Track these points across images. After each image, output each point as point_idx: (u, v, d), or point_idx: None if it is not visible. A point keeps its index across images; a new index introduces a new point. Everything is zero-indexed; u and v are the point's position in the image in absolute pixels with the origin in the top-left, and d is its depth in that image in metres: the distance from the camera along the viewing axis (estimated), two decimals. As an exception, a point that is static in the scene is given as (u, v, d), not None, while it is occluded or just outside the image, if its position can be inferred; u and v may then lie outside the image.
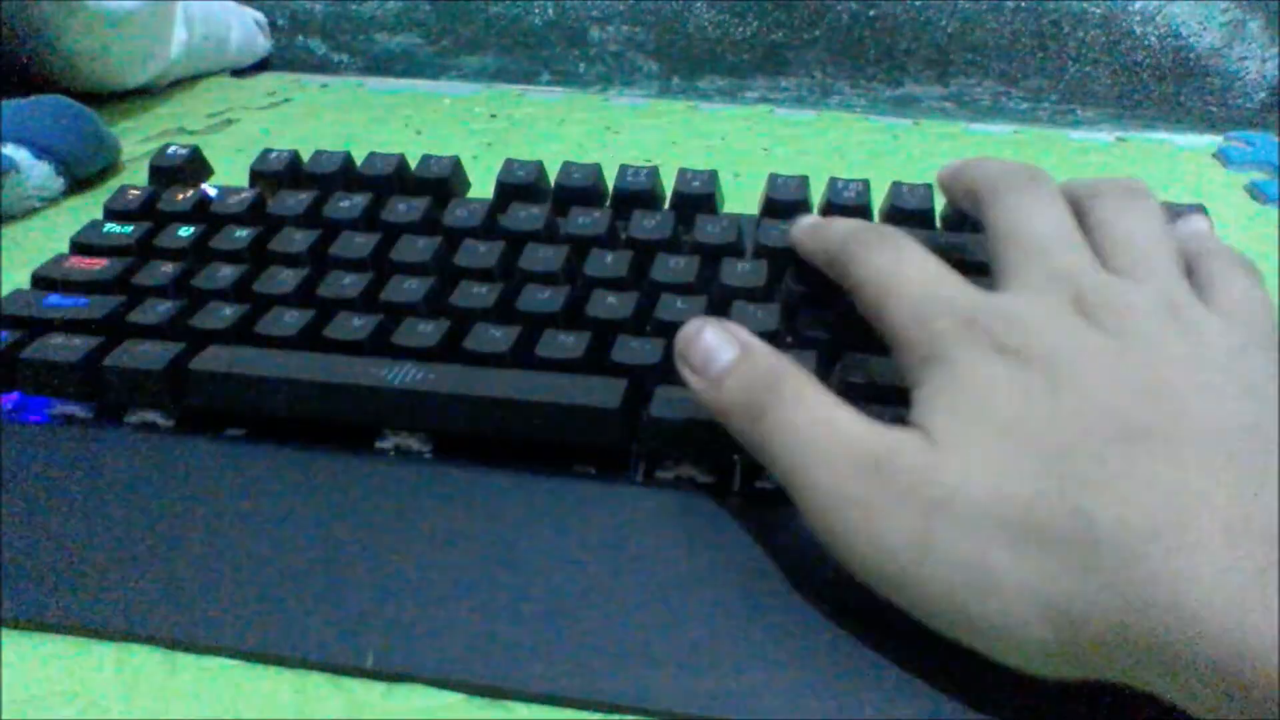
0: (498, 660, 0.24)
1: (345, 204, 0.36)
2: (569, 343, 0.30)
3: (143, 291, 0.34)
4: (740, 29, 0.61)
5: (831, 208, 0.36)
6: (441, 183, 0.38)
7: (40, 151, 0.44)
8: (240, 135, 0.53)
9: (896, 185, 0.36)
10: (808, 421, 0.24)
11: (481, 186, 0.39)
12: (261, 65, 0.64)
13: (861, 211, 0.36)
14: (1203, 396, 0.21)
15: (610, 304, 0.31)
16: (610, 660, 0.24)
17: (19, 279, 0.35)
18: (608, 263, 0.33)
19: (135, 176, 0.47)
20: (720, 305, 0.31)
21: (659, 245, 0.34)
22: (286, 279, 0.33)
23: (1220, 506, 0.19)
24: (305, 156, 0.39)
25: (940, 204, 0.36)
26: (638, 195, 0.37)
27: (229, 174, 0.42)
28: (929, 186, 0.36)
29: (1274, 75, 0.58)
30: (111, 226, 0.37)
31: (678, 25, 0.62)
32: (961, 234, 0.33)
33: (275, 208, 0.37)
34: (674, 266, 0.33)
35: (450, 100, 0.57)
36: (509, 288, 0.32)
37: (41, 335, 0.32)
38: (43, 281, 0.34)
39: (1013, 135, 0.53)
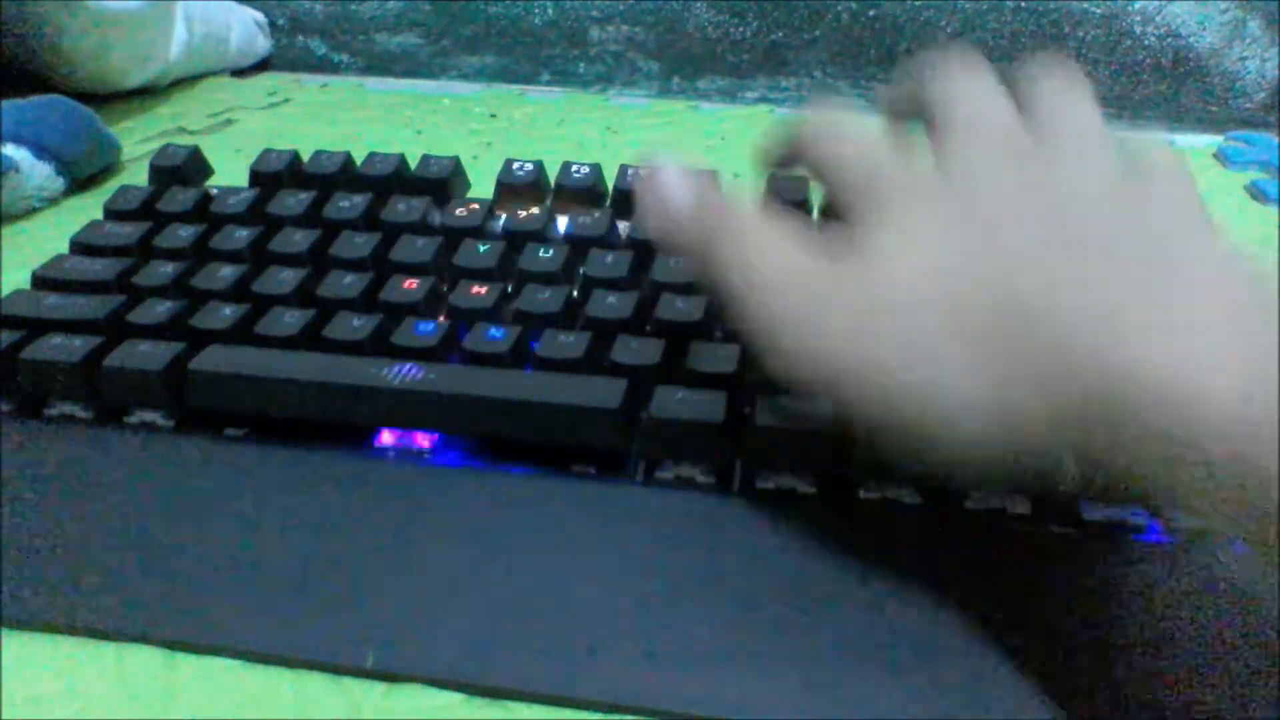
0: (498, 660, 0.24)
1: (345, 204, 0.36)
2: (569, 343, 0.30)
3: (143, 291, 0.34)
4: (740, 29, 0.61)
5: (831, 207, 0.36)
6: (441, 183, 0.38)
7: (40, 151, 0.44)
8: (240, 135, 0.53)
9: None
10: (753, 252, 0.25)
11: (481, 186, 0.39)
12: (261, 65, 0.64)
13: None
14: (1114, 211, 0.23)
15: (610, 304, 0.31)
16: (610, 660, 0.24)
17: (19, 279, 0.35)
18: (608, 263, 0.33)
19: (135, 176, 0.47)
20: (720, 305, 0.31)
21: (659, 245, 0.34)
22: (286, 279, 0.33)
23: (1139, 284, 0.21)
24: (305, 156, 0.39)
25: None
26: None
27: (229, 174, 0.42)
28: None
29: (1274, 75, 0.58)
30: (111, 226, 0.37)
31: (678, 25, 0.62)
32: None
33: (275, 208, 0.37)
34: (673, 266, 0.33)
35: (450, 100, 0.57)
36: (509, 288, 0.32)
37: (41, 335, 0.32)
38: (43, 281, 0.34)
39: (1013, 135, 0.53)
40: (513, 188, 0.37)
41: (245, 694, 0.24)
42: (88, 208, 0.44)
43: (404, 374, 0.29)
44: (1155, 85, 0.59)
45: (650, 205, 0.27)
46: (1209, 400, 0.19)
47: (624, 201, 0.37)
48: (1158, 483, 0.20)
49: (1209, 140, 0.53)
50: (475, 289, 0.32)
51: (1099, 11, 0.59)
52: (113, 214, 0.38)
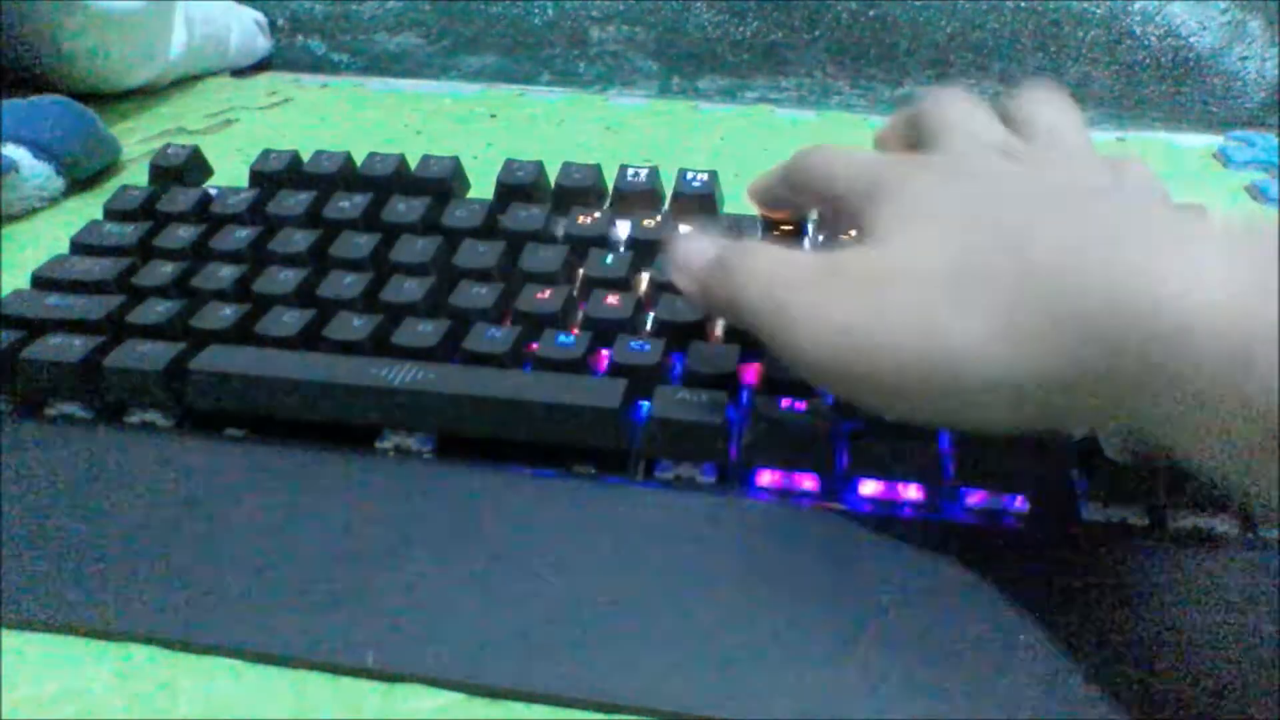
0: (498, 660, 0.24)
1: (345, 204, 0.36)
2: (569, 343, 0.30)
3: (143, 291, 0.34)
4: (740, 29, 0.61)
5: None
6: (441, 183, 0.38)
7: (40, 151, 0.44)
8: (240, 135, 0.53)
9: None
10: (765, 263, 0.26)
11: (481, 186, 0.39)
12: (261, 65, 0.64)
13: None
14: (1106, 189, 0.26)
15: (610, 304, 0.31)
16: (610, 660, 0.24)
17: (19, 279, 0.35)
18: (607, 263, 0.33)
19: (135, 176, 0.47)
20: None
21: (659, 245, 0.34)
22: (286, 279, 0.33)
23: (1132, 225, 0.21)
24: (305, 156, 0.39)
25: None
26: (637, 195, 0.37)
27: (229, 174, 0.42)
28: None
29: (1274, 75, 0.58)
30: (111, 226, 0.37)
31: (678, 25, 0.62)
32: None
33: (275, 208, 0.37)
34: (674, 266, 0.33)
35: (450, 100, 0.57)
36: (509, 288, 0.32)
37: (41, 335, 0.32)
38: (43, 281, 0.34)
39: (1013, 135, 0.53)
40: (513, 188, 0.37)
41: (245, 694, 0.24)
42: (88, 208, 0.44)
43: (404, 374, 0.29)
44: (1155, 85, 0.59)
45: (676, 268, 0.28)
46: (1202, 315, 0.19)
47: (624, 201, 0.37)
48: (1158, 421, 0.20)
49: (1209, 140, 0.53)
50: (475, 289, 0.32)
51: (1099, 11, 0.59)
52: (113, 214, 0.38)
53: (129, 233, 0.36)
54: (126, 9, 0.52)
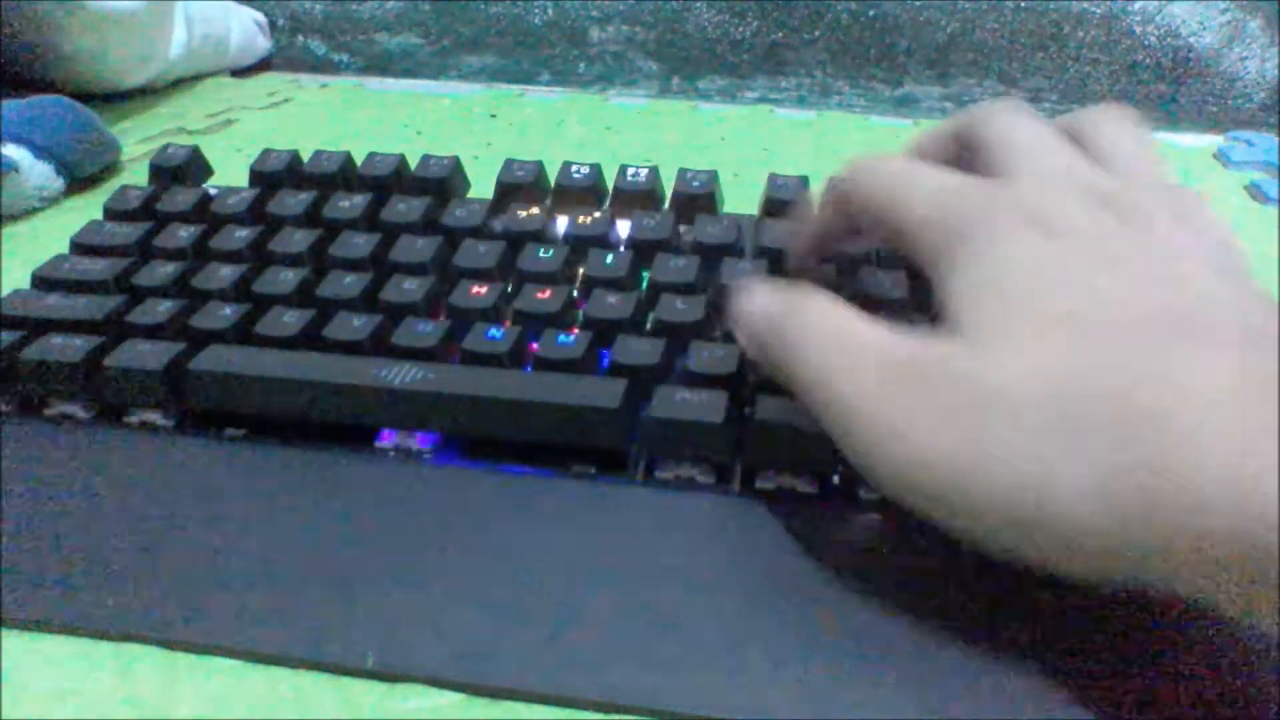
0: (498, 660, 0.24)
1: (345, 204, 0.36)
2: (569, 343, 0.30)
3: (143, 291, 0.34)
4: (740, 29, 0.61)
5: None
6: (441, 183, 0.38)
7: (40, 151, 0.44)
8: (240, 135, 0.53)
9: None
10: (828, 332, 0.23)
11: (481, 186, 0.39)
12: (261, 65, 0.64)
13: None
14: (1213, 288, 0.21)
15: (610, 304, 0.31)
16: (610, 660, 0.24)
17: (19, 279, 0.35)
18: (608, 263, 0.33)
19: (135, 176, 0.47)
20: (720, 305, 0.31)
21: (659, 245, 0.34)
22: (286, 279, 0.33)
23: (1241, 387, 0.19)
24: (305, 156, 0.39)
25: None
26: (638, 195, 0.37)
27: (229, 174, 0.42)
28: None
29: (1274, 75, 0.58)
30: (111, 226, 0.37)
31: (678, 25, 0.62)
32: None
33: (275, 208, 0.37)
34: (674, 266, 0.33)
35: (450, 100, 0.57)
36: (509, 288, 0.32)
37: (41, 335, 0.32)
38: (43, 281, 0.34)
39: (1013, 135, 0.53)
40: (513, 188, 0.37)
41: (245, 694, 0.24)
42: (88, 208, 0.44)
43: (404, 374, 0.29)
44: (1155, 85, 0.59)
45: (735, 323, 0.26)
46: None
47: (624, 201, 0.37)
48: (1183, 579, 0.19)
49: (1209, 140, 0.53)
50: (475, 289, 0.32)
51: (1099, 11, 0.59)
52: (113, 214, 0.38)
53: (129, 233, 0.36)
54: (126, 9, 0.52)
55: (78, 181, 0.46)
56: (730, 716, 0.22)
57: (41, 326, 0.32)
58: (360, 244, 0.34)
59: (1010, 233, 0.22)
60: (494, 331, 0.31)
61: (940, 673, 0.23)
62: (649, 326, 0.31)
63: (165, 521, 0.27)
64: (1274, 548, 0.17)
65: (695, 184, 0.37)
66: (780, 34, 0.61)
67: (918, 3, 0.60)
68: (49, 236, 0.41)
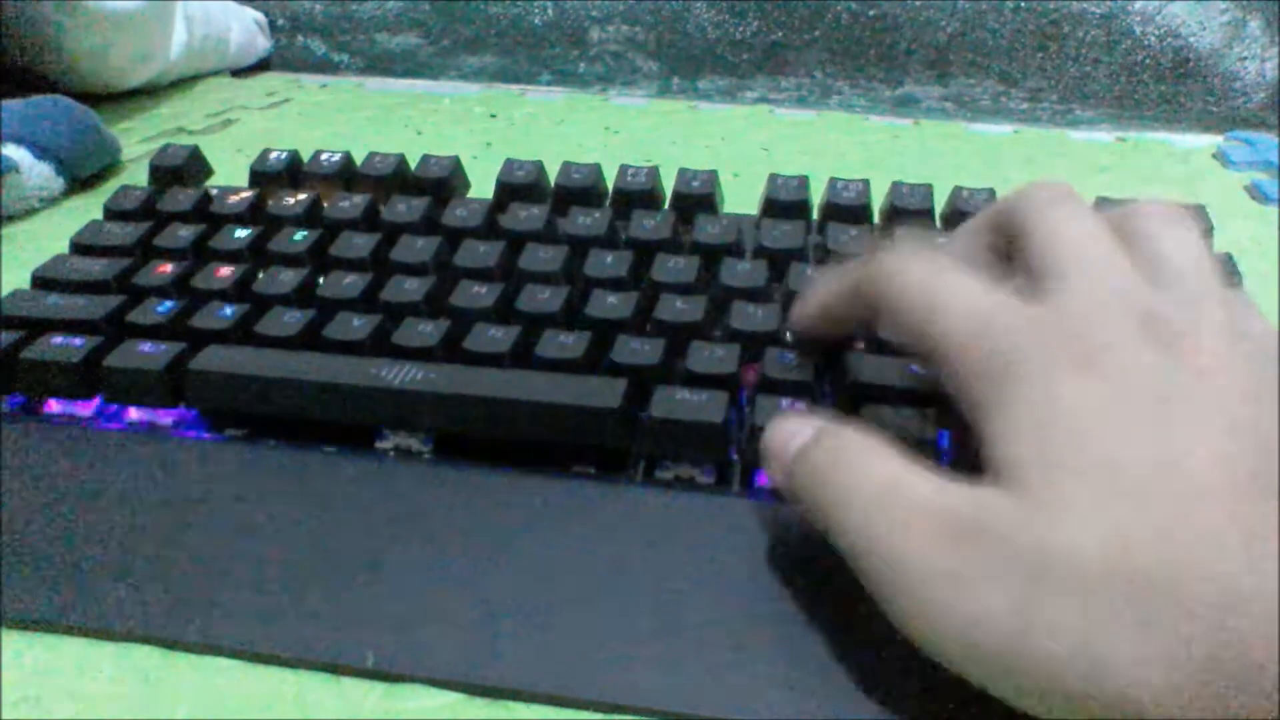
0: (498, 660, 0.24)
1: (345, 204, 0.36)
2: (569, 343, 0.30)
3: (143, 291, 0.34)
4: (740, 29, 0.61)
5: (831, 208, 0.36)
6: (441, 183, 0.38)
7: (40, 151, 0.44)
8: (240, 135, 0.53)
9: (896, 185, 0.36)
10: (872, 487, 0.21)
11: (481, 186, 0.39)
12: (261, 65, 0.64)
13: (861, 211, 0.36)
14: (1275, 431, 0.20)
15: (610, 304, 0.31)
16: (610, 660, 0.24)
17: (19, 279, 0.35)
18: (608, 263, 0.33)
19: (135, 176, 0.47)
20: (720, 305, 0.32)
21: (659, 245, 0.34)
22: (286, 279, 0.33)
23: None
24: (305, 156, 0.39)
25: (940, 204, 0.36)
26: (638, 195, 0.37)
27: (229, 174, 0.42)
28: (929, 186, 0.36)
29: (1274, 75, 0.58)
30: (111, 226, 0.37)
31: (678, 25, 0.62)
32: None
33: (275, 208, 0.37)
34: (674, 266, 0.33)
35: (450, 100, 0.57)
36: (509, 288, 0.32)
37: (41, 335, 0.32)
38: (43, 281, 0.34)
39: (1013, 135, 0.53)
40: (513, 188, 0.37)
41: (245, 694, 0.24)
42: (88, 208, 0.44)
43: (404, 374, 0.29)
44: (1155, 85, 0.59)
45: (766, 453, 0.25)
46: None
47: (624, 201, 0.37)
48: None
49: (1209, 140, 0.53)
50: (475, 289, 0.32)
51: (1099, 11, 0.59)
52: (113, 214, 0.38)
53: (129, 233, 0.36)
54: (126, 9, 0.52)
55: (78, 181, 0.46)
56: (730, 716, 0.22)
57: (41, 326, 0.32)
58: (360, 244, 0.34)
59: (1058, 371, 0.21)
60: (494, 331, 0.31)
61: (940, 673, 0.23)
62: (649, 326, 0.31)
63: (165, 521, 0.27)
64: None
65: (695, 184, 0.37)
66: (780, 34, 0.61)
67: (918, 3, 0.60)
68: (49, 236, 0.41)
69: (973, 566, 0.19)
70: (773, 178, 0.37)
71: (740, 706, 0.23)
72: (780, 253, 0.33)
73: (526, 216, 0.35)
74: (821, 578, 0.25)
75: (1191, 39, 0.58)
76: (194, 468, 0.29)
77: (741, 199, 0.40)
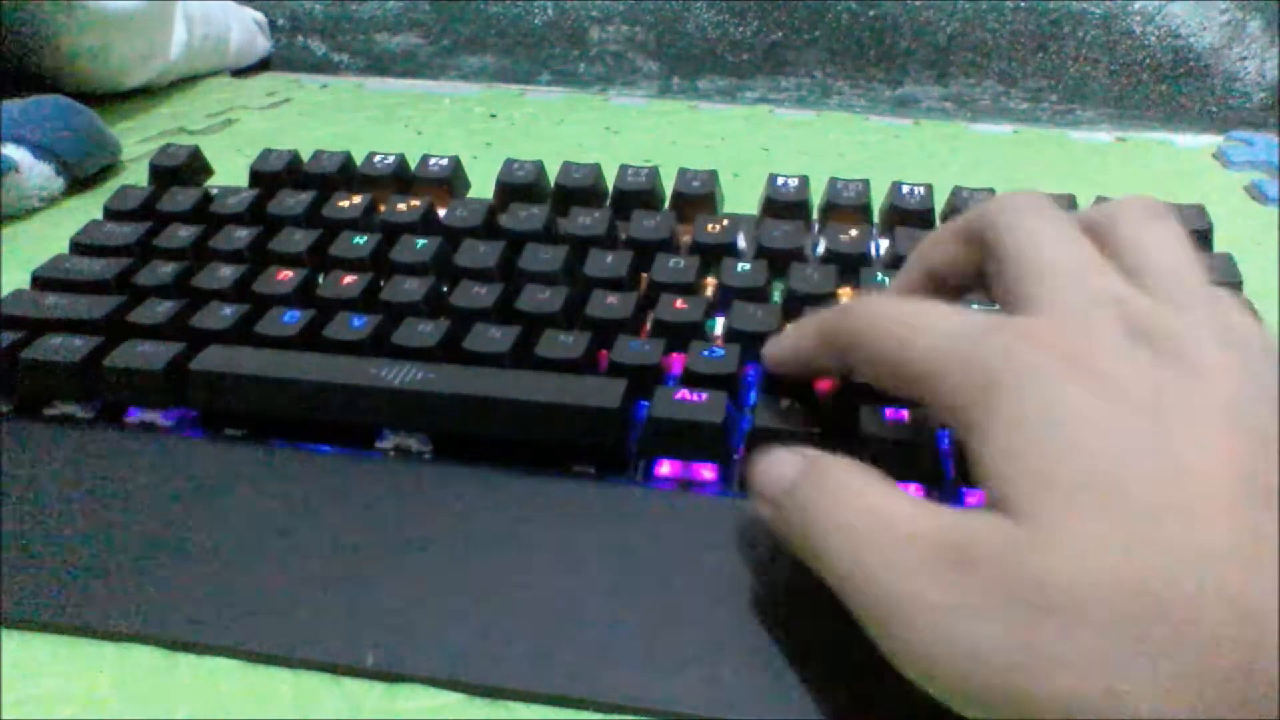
0: (498, 660, 0.24)
1: (345, 204, 0.36)
2: (569, 343, 0.30)
3: (143, 291, 0.34)
4: (740, 29, 0.61)
5: (831, 208, 0.36)
6: (441, 183, 0.38)
7: (40, 151, 0.44)
8: (240, 135, 0.53)
9: (896, 185, 0.36)
10: (862, 520, 0.21)
11: (481, 186, 0.39)
12: (261, 65, 0.64)
13: (861, 211, 0.36)
14: (1274, 431, 0.19)
15: (610, 304, 0.31)
16: (610, 660, 0.24)
17: (19, 279, 0.35)
18: (608, 263, 0.33)
19: (135, 176, 0.47)
20: (720, 305, 0.32)
21: (659, 245, 0.34)
22: (286, 279, 0.33)
23: None
24: (305, 156, 0.39)
25: (940, 204, 0.36)
26: (638, 195, 0.37)
27: (229, 174, 0.42)
28: (929, 186, 0.36)
29: (1274, 75, 0.58)
30: (111, 226, 0.37)
31: (678, 25, 0.62)
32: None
33: (275, 208, 0.37)
34: (674, 266, 0.33)
35: (450, 100, 0.57)
36: (509, 288, 0.32)
37: (41, 335, 0.32)
38: (43, 281, 0.34)
39: (1013, 135, 0.53)
40: (513, 188, 0.37)
41: (245, 694, 0.24)
42: (88, 208, 0.44)
43: (404, 374, 0.29)
44: (1155, 85, 0.59)
45: (751, 490, 0.24)
46: None
47: (624, 201, 0.37)
48: None
49: (1209, 140, 0.53)
50: (474, 289, 0.32)
51: (1099, 11, 0.59)
52: (113, 214, 0.38)
53: (129, 233, 0.36)
54: (126, 9, 0.52)
55: (78, 181, 0.46)
56: (729, 717, 0.22)
57: (41, 326, 0.32)
58: (360, 244, 0.34)
59: (1046, 381, 0.20)
60: (494, 331, 0.31)
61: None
62: (649, 327, 0.31)
63: (165, 521, 0.27)
64: None
65: (695, 184, 0.37)
66: (780, 34, 0.61)
67: (918, 3, 0.60)
68: (49, 236, 0.41)
69: (970, 598, 0.19)
70: (773, 178, 0.37)
71: (740, 707, 0.23)
72: (780, 253, 0.33)
73: (526, 216, 0.35)
74: (821, 579, 0.25)
75: (1191, 39, 0.58)
76: (194, 468, 0.29)
77: (741, 199, 0.40)
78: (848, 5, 0.60)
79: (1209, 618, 0.17)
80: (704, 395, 0.28)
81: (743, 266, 0.33)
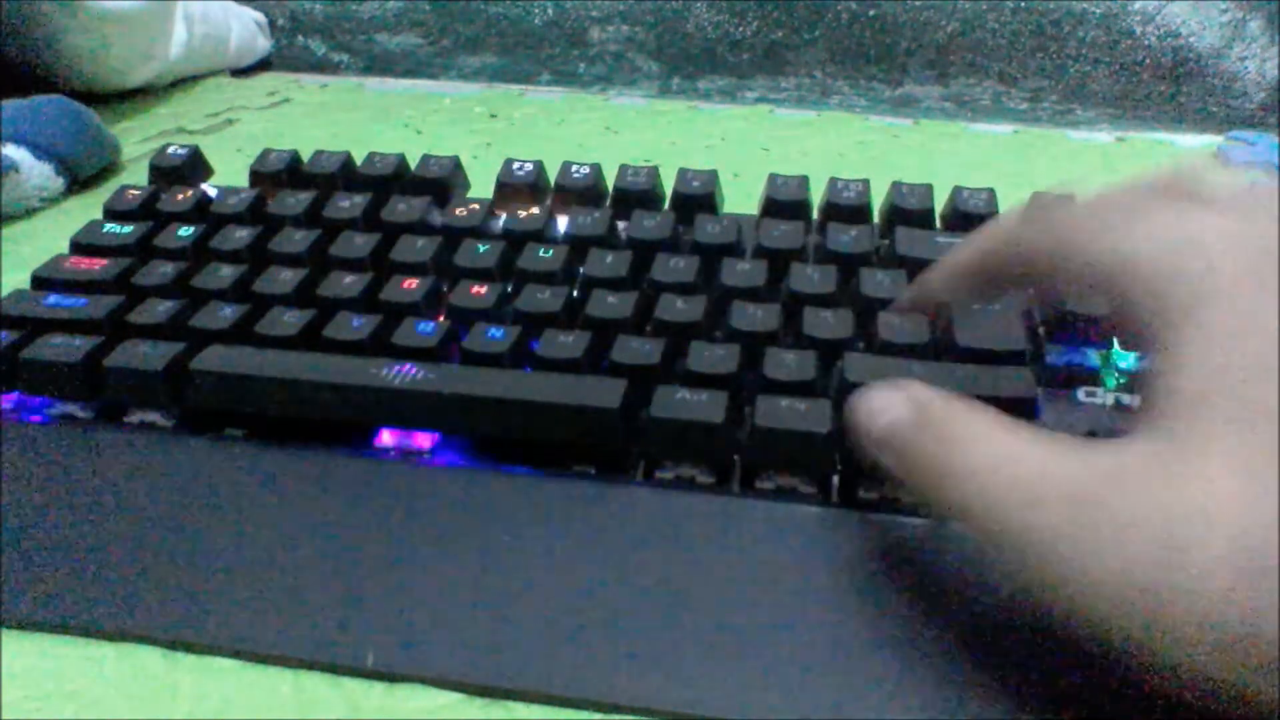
0: (498, 660, 0.24)
1: (345, 204, 0.36)
2: (569, 343, 0.30)
3: (143, 291, 0.34)
4: (740, 29, 0.61)
5: (831, 208, 0.36)
6: (441, 183, 0.38)
7: (40, 151, 0.44)
8: (240, 135, 0.53)
9: (896, 185, 0.36)
10: (988, 461, 0.21)
11: (481, 186, 0.39)
12: (261, 65, 0.64)
13: (861, 211, 0.36)
14: None
15: (610, 304, 0.31)
16: (610, 660, 0.24)
17: (19, 279, 0.35)
18: (608, 263, 0.33)
19: (135, 176, 0.47)
20: (720, 305, 0.31)
21: (659, 245, 0.34)
22: (286, 279, 0.33)
23: None
24: (305, 156, 0.39)
25: (940, 204, 0.36)
26: (638, 195, 0.37)
27: (229, 174, 0.42)
28: (929, 186, 0.36)
29: (1274, 75, 0.58)
30: (111, 226, 0.37)
31: (678, 25, 0.62)
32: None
33: (275, 208, 0.37)
34: (674, 266, 0.33)
35: (450, 100, 0.57)
36: (508, 288, 0.32)
37: (41, 335, 0.32)
38: (43, 281, 0.34)
39: (1013, 135, 0.53)
40: (513, 188, 0.37)
41: (245, 694, 0.24)
42: (88, 208, 0.44)
43: (404, 374, 0.29)
44: (1155, 85, 0.59)
45: (857, 427, 0.24)
46: None
47: (624, 201, 0.37)
48: None
49: (1209, 140, 0.53)
50: (475, 289, 0.32)
51: (1099, 11, 0.59)
52: (113, 214, 0.38)
53: (129, 233, 0.36)
54: (126, 9, 0.52)
55: (78, 181, 0.46)
56: (730, 716, 0.22)
57: (41, 326, 0.32)
58: (360, 244, 0.34)
59: (1259, 293, 0.19)
60: (494, 331, 0.31)
61: (940, 673, 0.23)
62: (649, 327, 0.31)
63: (165, 521, 0.27)
64: None
65: (695, 184, 0.37)
66: (780, 34, 0.61)
67: (918, 3, 0.60)
68: (49, 236, 0.41)
69: (1107, 523, 0.19)
70: (773, 178, 0.37)
71: (740, 706, 0.23)
72: (780, 253, 0.33)
73: (527, 217, 0.35)
74: (821, 578, 0.25)
75: (1191, 39, 0.58)
76: (194, 468, 0.29)
77: (741, 199, 0.40)
78: (848, 5, 0.60)
79: None
80: (704, 395, 0.28)
81: (743, 266, 0.33)
